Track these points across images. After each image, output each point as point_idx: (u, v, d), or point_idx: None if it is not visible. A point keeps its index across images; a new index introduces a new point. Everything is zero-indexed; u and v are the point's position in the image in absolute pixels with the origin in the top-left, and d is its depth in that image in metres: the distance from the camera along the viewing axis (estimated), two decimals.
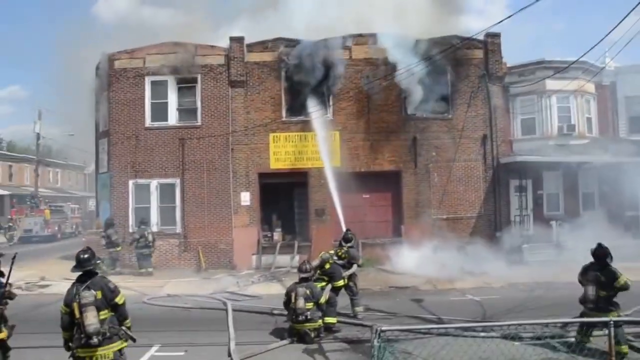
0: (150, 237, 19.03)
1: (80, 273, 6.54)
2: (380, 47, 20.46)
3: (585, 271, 9.01)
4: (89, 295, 6.27)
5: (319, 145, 20.18)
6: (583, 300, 8.86)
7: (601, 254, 8.83)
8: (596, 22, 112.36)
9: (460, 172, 21.07)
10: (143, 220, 19.40)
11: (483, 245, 19.59)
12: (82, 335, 6.21)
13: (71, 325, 6.40)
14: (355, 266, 12.37)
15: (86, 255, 6.54)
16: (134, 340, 6.70)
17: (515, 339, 8.83)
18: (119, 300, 6.53)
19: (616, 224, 20.53)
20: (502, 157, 21.05)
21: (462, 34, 20.42)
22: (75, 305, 6.26)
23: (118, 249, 19.09)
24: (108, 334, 6.35)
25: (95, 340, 6.19)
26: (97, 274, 6.61)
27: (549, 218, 20.81)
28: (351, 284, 12.16)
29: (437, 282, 16.39)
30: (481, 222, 20.92)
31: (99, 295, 6.34)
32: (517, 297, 13.89)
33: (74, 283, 6.51)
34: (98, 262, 6.82)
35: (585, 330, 8.58)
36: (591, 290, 8.70)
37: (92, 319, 6.19)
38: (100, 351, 6.28)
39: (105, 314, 6.38)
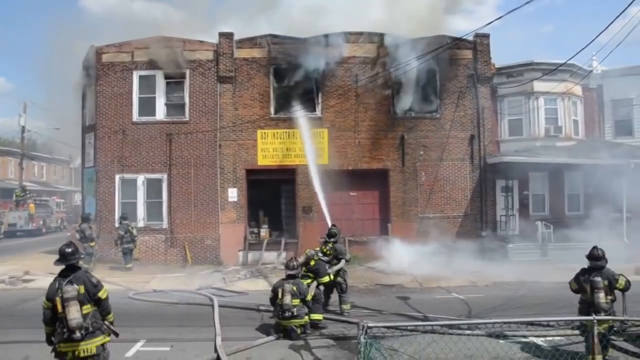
0: (134, 232, 19.00)
1: (62, 267, 6.49)
2: (369, 45, 20.51)
3: (584, 276, 8.23)
4: (71, 289, 6.22)
5: (304, 143, 20.17)
6: (595, 310, 7.73)
7: (600, 256, 8.24)
8: (584, 25, 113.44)
9: (447, 172, 21.19)
10: (124, 216, 19.28)
11: (469, 245, 19.74)
12: (65, 330, 6.16)
13: (53, 320, 6.35)
14: (343, 261, 12.35)
15: (70, 249, 6.49)
16: (116, 334, 6.67)
17: (500, 337, 8.91)
18: (102, 294, 6.49)
19: (601, 225, 20.77)
20: (489, 157, 21.19)
21: (451, 34, 20.56)
22: (57, 299, 6.20)
23: (92, 244, 18.80)
24: (91, 329, 6.30)
25: (78, 334, 6.14)
26: (79, 268, 6.57)
27: (535, 218, 21.00)
28: (340, 279, 12.16)
29: (423, 280, 16.48)
30: (467, 221, 21.06)
31: (82, 289, 6.30)
32: (502, 295, 14.00)
33: (56, 278, 6.46)
34: (82, 256, 6.77)
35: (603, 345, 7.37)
36: (603, 298, 7.82)
37: (74, 314, 6.14)
38: (83, 345, 6.23)
39: (88, 308, 6.33)
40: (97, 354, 6.37)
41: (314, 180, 19.77)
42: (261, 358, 8.93)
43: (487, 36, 21.24)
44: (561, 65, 19.05)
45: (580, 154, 21.00)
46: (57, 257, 6.52)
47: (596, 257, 8.23)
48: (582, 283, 8.19)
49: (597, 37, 12.26)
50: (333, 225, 13.71)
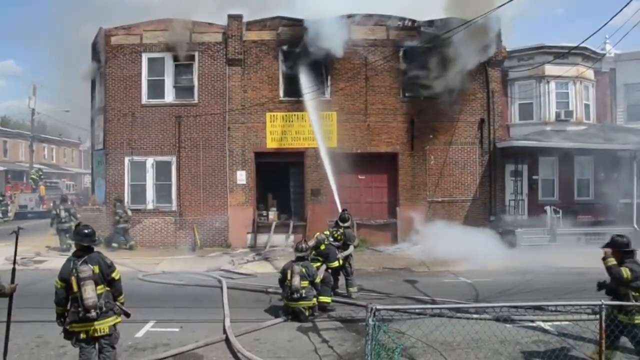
0: (129, 213, 19.62)
1: (76, 249, 6.58)
2: (379, 28, 20.33)
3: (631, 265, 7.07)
4: (87, 269, 6.30)
5: (313, 125, 20.10)
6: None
7: (628, 242, 7.29)
8: (597, 8, 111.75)
9: (456, 156, 21.10)
10: (119, 198, 19.81)
11: (477, 229, 19.72)
12: (80, 309, 6.23)
13: (66, 300, 6.43)
14: (351, 247, 12.36)
15: (89, 230, 6.60)
16: (127, 315, 6.75)
17: (508, 321, 8.94)
18: (115, 275, 6.58)
19: (610, 211, 20.69)
20: (498, 142, 21.07)
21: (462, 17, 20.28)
22: (73, 279, 6.27)
23: (66, 225, 19.14)
24: (104, 309, 6.39)
25: (93, 313, 6.23)
26: (93, 249, 6.63)
27: (544, 203, 20.90)
28: (346, 264, 12.18)
29: (431, 264, 16.53)
30: (476, 205, 21.00)
31: (96, 270, 6.38)
32: (509, 280, 14.01)
33: (69, 258, 6.54)
34: (96, 240, 6.84)
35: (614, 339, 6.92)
36: None
37: (90, 293, 6.22)
38: (97, 325, 6.34)
39: (101, 288, 6.41)
40: (109, 334, 6.47)
41: (325, 164, 19.73)
42: (270, 339, 9.00)
43: (498, 19, 20.92)
44: (573, 48, 18.86)
45: (591, 138, 20.82)
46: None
47: (625, 245, 7.30)
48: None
49: (610, 20, 12.07)
50: (344, 210, 13.65)
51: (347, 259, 12.21)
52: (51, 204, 37.61)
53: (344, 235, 12.40)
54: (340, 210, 14.43)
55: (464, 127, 21.09)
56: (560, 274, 14.91)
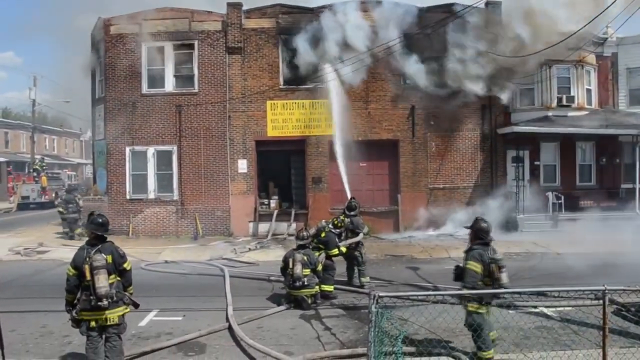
0: (80, 202, 19.94)
1: (89, 238, 6.65)
2: (380, 14, 20.16)
3: None
4: (100, 258, 6.37)
5: (333, 112, 19.91)
6: None
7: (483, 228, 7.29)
8: None
9: (457, 142, 21.02)
10: (71, 187, 20.08)
11: (479, 215, 19.70)
12: (92, 298, 6.30)
13: (77, 288, 6.47)
14: (360, 235, 12.14)
15: (103, 220, 6.67)
16: (136, 306, 6.81)
17: (510, 307, 8.95)
18: (126, 266, 6.67)
19: (612, 196, 20.66)
20: (499, 128, 20.98)
21: (462, 1, 20.13)
22: (86, 267, 6.33)
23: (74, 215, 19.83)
24: (115, 298, 6.47)
25: (105, 302, 6.30)
26: (106, 239, 6.68)
27: (545, 189, 20.86)
28: (357, 253, 12.00)
29: (433, 251, 16.55)
30: (477, 192, 20.94)
31: (110, 259, 6.45)
32: (511, 266, 13.90)
33: (83, 246, 6.59)
34: (109, 229, 6.89)
35: None
36: None
37: (103, 282, 6.29)
38: (108, 314, 6.42)
39: (113, 278, 6.48)
40: (119, 323, 6.56)
41: (338, 153, 19.63)
42: (272, 327, 9.04)
43: (499, 4, 20.78)
44: (574, 33, 18.66)
45: (592, 123, 20.72)
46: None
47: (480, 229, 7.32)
48: None
49: (612, 3, 11.96)
50: (353, 197, 13.54)
51: (357, 248, 12.03)
52: (53, 195, 37.83)
53: (351, 223, 12.20)
54: (349, 198, 14.30)
55: (465, 113, 20.97)
56: (562, 260, 14.92)
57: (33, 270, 13.79)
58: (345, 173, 19.55)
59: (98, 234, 6.58)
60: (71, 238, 19.42)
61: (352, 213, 12.41)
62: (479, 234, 7.17)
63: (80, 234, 19.01)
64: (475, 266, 6.85)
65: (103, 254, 6.41)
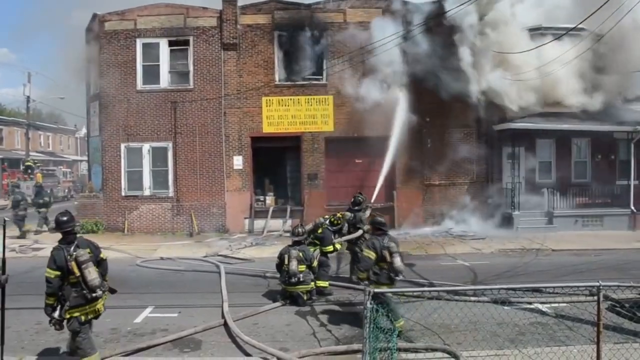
0: (29, 200, 20.22)
1: (61, 237, 6.65)
2: (375, 10, 20.13)
3: None
4: (83, 252, 6.45)
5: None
6: None
7: (379, 222, 8.58)
8: None
9: (453, 138, 21.01)
10: (17, 184, 20.31)
11: (474, 212, 19.77)
12: (86, 292, 6.37)
13: (60, 289, 6.50)
14: (360, 231, 12.04)
15: (65, 218, 6.66)
16: (113, 292, 6.88)
17: (505, 303, 8.98)
18: (103, 256, 6.86)
19: (608, 193, 20.71)
20: (495, 124, 20.96)
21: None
22: (73, 264, 6.36)
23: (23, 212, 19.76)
24: (104, 288, 6.61)
25: (99, 292, 6.45)
26: (76, 234, 6.73)
27: (541, 186, 20.89)
28: (357, 249, 11.84)
29: (428, 248, 16.57)
30: (473, 188, 20.96)
31: (89, 252, 6.56)
32: (507, 262, 14.07)
33: (58, 246, 6.57)
34: (77, 224, 6.94)
35: None
36: None
37: (94, 274, 6.42)
38: (99, 304, 6.58)
39: (95, 269, 6.57)
40: (103, 311, 6.75)
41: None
42: (268, 324, 9.04)
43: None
44: (571, 29, 18.67)
45: (588, 120, 20.73)
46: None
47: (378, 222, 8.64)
48: None
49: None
50: (359, 192, 13.42)
51: (358, 244, 11.91)
52: (48, 191, 37.64)
53: (353, 217, 12.20)
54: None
55: (461, 109, 20.94)
56: (557, 256, 14.99)
57: (28, 267, 13.75)
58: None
59: (67, 229, 6.60)
60: (21, 237, 19.09)
61: (357, 208, 12.40)
62: (377, 226, 8.46)
63: (28, 231, 19.40)
64: (369, 253, 8.12)
65: (82, 249, 6.50)
